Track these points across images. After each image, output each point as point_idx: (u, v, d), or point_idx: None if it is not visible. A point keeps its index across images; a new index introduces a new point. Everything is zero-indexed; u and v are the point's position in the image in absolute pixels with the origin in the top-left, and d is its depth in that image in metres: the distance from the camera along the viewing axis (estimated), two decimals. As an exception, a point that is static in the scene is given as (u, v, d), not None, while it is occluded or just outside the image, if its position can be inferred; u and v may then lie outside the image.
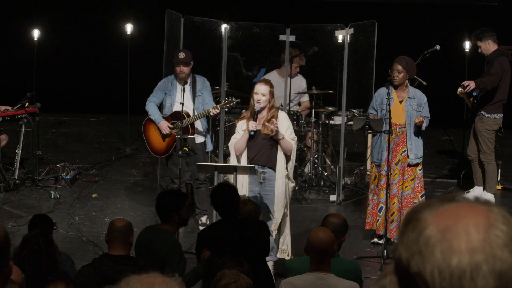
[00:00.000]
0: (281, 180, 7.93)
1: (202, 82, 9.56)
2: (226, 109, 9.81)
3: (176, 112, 9.31)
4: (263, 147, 7.95)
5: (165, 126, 9.42)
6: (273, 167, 7.96)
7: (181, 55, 9.39)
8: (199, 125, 9.47)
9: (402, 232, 1.50)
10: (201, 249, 6.24)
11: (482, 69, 10.22)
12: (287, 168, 8.06)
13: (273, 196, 7.92)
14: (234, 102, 9.20)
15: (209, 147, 9.65)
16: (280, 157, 7.96)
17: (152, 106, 9.55)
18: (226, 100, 9.28)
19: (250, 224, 6.54)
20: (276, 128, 7.88)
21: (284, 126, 8.00)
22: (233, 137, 8.12)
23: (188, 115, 9.35)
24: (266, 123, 7.93)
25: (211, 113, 9.14)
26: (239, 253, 5.84)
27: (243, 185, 7.89)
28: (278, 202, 7.95)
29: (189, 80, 9.48)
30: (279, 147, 7.95)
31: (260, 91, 7.95)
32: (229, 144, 8.19)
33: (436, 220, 1.46)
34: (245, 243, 6.26)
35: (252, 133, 7.92)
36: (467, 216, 1.45)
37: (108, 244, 5.69)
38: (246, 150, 7.98)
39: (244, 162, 7.97)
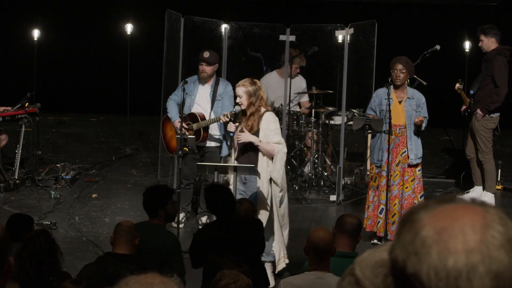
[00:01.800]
0: (262, 182, 7.80)
1: (225, 87, 9.45)
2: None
3: (192, 113, 9.29)
4: (244, 148, 7.93)
5: (178, 126, 9.37)
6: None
7: (206, 54, 9.31)
8: (215, 129, 9.40)
9: (398, 233, 1.50)
10: (197, 249, 6.23)
11: (481, 69, 10.25)
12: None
13: (255, 197, 7.85)
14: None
15: (225, 151, 9.53)
16: (262, 160, 7.85)
17: (171, 104, 9.52)
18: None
19: (246, 222, 6.54)
20: (240, 140, 7.81)
21: (268, 129, 7.83)
22: None
23: (203, 118, 9.30)
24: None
25: (221, 121, 8.95)
26: (236, 252, 5.84)
27: (232, 183, 7.94)
28: (260, 204, 7.85)
29: (211, 82, 9.39)
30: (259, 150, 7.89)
31: (237, 93, 7.89)
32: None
33: (433, 221, 1.46)
34: (242, 242, 6.27)
35: (231, 134, 7.93)
36: (464, 216, 1.45)
37: (112, 245, 5.69)
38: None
39: (232, 159, 7.99)
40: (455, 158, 12.42)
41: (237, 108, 7.87)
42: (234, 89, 9.57)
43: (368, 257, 1.64)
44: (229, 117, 8.76)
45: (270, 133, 7.80)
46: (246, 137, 7.77)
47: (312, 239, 5.24)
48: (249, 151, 7.86)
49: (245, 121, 7.85)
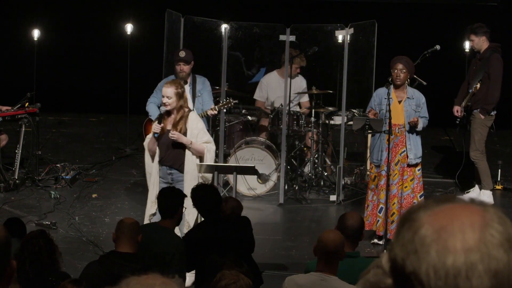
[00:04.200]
0: (190, 182, 7.75)
1: (202, 83, 9.57)
2: (225, 110, 9.86)
3: None
4: (170, 148, 7.97)
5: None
6: (180, 169, 7.97)
7: (182, 53, 9.40)
8: None
9: (397, 232, 1.50)
10: (188, 251, 6.22)
11: (470, 67, 10.29)
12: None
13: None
14: (232, 103, 9.25)
15: None
16: (190, 159, 7.92)
17: (152, 106, 9.58)
18: (224, 101, 9.32)
19: (234, 221, 6.55)
20: (173, 137, 7.85)
21: (196, 129, 7.93)
22: (147, 136, 8.20)
23: None
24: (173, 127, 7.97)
25: (209, 114, 9.19)
26: (226, 251, 5.84)
27: (154, 185, 7.93)
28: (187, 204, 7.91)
29: (189, 80, 9.50)
30: (186, 149, 7.94)
31: (166, 94, 7.90)
32: (144, 143, 8.27)
33: (432, 220, 1.46)
34: (232, 240, 6.27)
35: (155, 135, 7.95)
36: (463, 215, 1.45)
37: (115, 242, 5.70)
38: (158, 150, 8.01)
39: (156, 161, 8.01)
40: (454, 158, 12.41)
41: (163, 108, 7.99)
42: (211, 84, 9.74)
43: None
44: (216, 109, 9.11)
45: (199, 132, 7.91)
46: (178, 137, 7.86)
47: (323, 241, 5.24)
48: (176, 148, 7.94)
49: (175, 124, 7.89)
